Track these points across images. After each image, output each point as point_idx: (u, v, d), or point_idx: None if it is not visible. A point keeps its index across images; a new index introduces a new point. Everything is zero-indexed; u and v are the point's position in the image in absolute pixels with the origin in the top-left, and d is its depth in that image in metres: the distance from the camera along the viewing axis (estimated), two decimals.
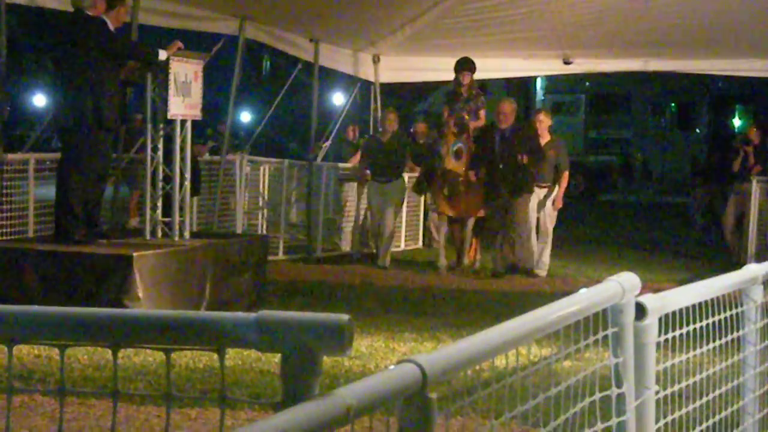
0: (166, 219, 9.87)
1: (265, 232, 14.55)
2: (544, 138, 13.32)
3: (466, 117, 13.37)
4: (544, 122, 13.56)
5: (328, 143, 17.10)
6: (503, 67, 17.14)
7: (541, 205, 13.54)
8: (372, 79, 16.66)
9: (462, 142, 12.82)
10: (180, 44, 9.70)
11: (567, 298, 2.98)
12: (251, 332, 1.97)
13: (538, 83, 32.41)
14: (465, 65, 13.69)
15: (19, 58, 25.29)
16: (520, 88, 35.85)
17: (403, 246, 16.32)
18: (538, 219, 13.54)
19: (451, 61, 16.67)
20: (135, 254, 8.92)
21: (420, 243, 16.95)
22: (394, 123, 14.29)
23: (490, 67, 17.02)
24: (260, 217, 15.02)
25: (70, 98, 9.40)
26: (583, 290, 3.07)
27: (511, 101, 13.50)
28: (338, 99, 27.05)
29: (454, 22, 14.40)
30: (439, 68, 16.80)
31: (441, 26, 14.60)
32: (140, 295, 8.71)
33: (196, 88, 9.88)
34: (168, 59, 9.49)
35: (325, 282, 12.35)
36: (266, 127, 17.91)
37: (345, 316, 1.98)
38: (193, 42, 11.71)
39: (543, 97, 32.37)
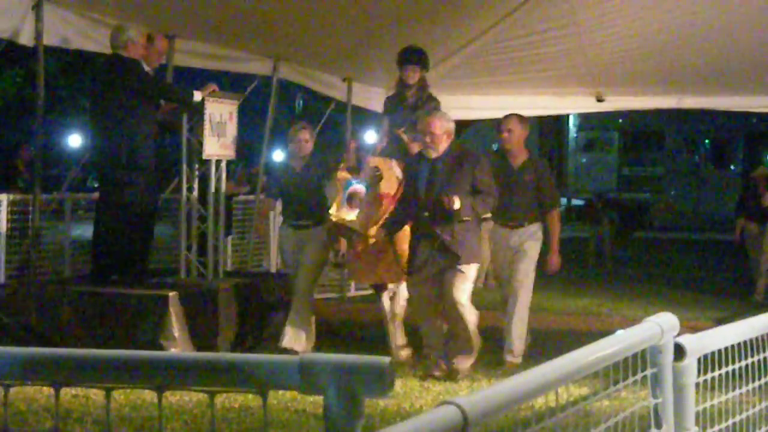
0: (201, 258, 9.92)
1: None
2: (518, 157, 9.68)
3: (404, 136, 9.67)
4: (515, 133, 9.68)
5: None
6: (535, 104, 17.10)
7: (512, 257, 9.70)
8: None
9: (363, 180, 8.95)
10: (215, 86, 9.80)
11: (606, 339, 2.98)
12: (294, 375, 1.99)
13: (571, 120, 32.39)
14: (410, 57, 10.10)
15: (54, 99, 25.54)
16: (553, 125, 35.86)
17: None
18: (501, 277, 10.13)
19: (483, 100, 16.74)
20: (170, 294, 8.97)
21: None
22: (308, 144, 10.01)
23: (522, 104, 17.00)
24: None
25: (107, 139, 9.49)
26: (619, 332, 3.07)
27: (520, 117, 9.93)
28: (371, 137, 27.06)
29: (485, 60, 14.42)
30: (471, 107, 16.83)
31: (473, 65, 14.63)
32: (176, 334, 8.75)
33: (231, 128, 9.96)
34: (203, 100, 9.58)
35: (357, 321, 12.33)
36: None
37: (386, 359, 2.00)
38: (228, 82, 11.82)
39: (576, 134, 32.33)
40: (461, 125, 27.60)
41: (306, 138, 9.96)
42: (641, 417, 3.11)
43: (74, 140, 39.41)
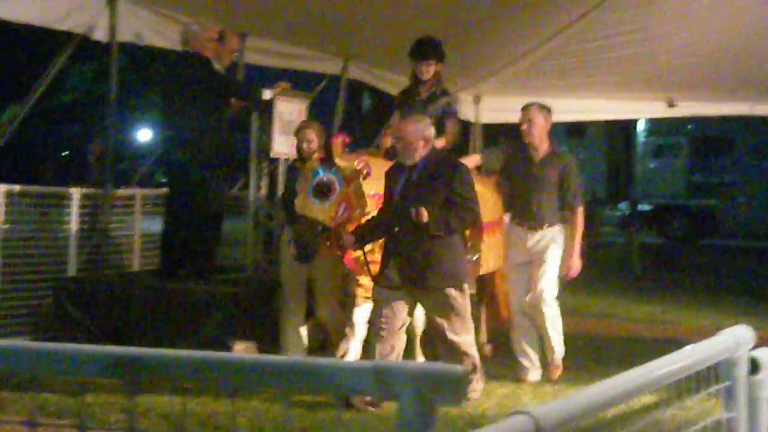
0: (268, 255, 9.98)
1: None
2: (540, 150, 8.96)
3: None
4: (536, 124, 8.96)
5: None
6: (605, 109, 17.02)
7: (528, 263, 9.02)
8: (472, 119, 16.66)
9: (335, 171, 7.74)
10: (285, 84, 9.83)
11: (679, 352, 2.94)
12: (368, 380, 1.98)
13: (640, 125, 32.11)
14: (425, 51, 9.44)
15: (124, 94, 25.83)
16: (621, 130, 35.56)
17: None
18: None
19: (552, 103, 16.61)
20: (237, 291, 9.02)
21: None
22: (313, 144, 8.79)
23: (591, 108, 16.94)
24: None
25: (177, 135, 9.58)
26: (688, 348, 3.02)
27: (541, 107, 9.26)
28: (438, 141, 27.09)
29: (555, 63, 14.34)
30: None
31: (542, 67, 14.55)
32: (242, 332, 8.78)
33: None
34: (273, 98, 9.61)
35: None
36: None
37: (460, 367, 1.99)
38: (296, 80, 11.84)
39: (644, 140, 32.05)
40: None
41: (311, 137, 8.82)
42: (713, 431, 3.07)
43: (143, 135, 39.78)
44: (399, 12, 11.77)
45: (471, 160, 9.32)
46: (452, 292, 7.64)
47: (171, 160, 9.99)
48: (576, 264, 9.02)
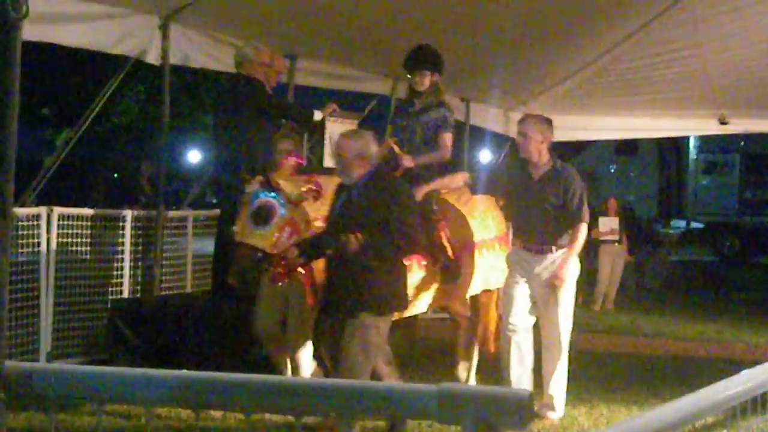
0: None
1: None
2: (540, 166, 8.12)
3: (395, 147, 8.55)
4: (532, 137, 8.08)
5: None
6: (656, 126, 16.92)
7: (535, 290, 8.17)
8: None
9: (277, 194, 7.19)
10: (335, 106, 9.85)
11: (742, 375, 2.90)
12: (431, 404, 1.97)
13: (691, 143, 31.90)
14: (419, 60, 8.88)
15: (175, 115, 26.05)
16: (673, 148, 35.32)
17: None
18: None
19: (602, 121, 16.59)
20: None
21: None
22: (291, 157, 8.20)
23: (642, 126, 16.86)
24: None
25: (229, 157, 9.62)
26: (745, 372, 2.98)
27: (537, 119, 8.44)
28: (485, 156, 27.05)
29: (605, 81, 14.29)
30: (590, 127, 16.72)
31: (593, 86, 14.52)
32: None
33: None
34: (323, 119, 9.64)
35: (428, 343, 12.22)
36: None
37: (526, 391, 1.97)
38: (346, 101, 11.87)
39: (696, 157, 31.84)
40: (580, 146, 27.44)
41: (288, 148, 8.31)
42: None
43: (194, 156, 40.08)
44: (448, 32, 11.76)
45: (456, 179, 8.77)
46: (366, 318, 6.86)
47: (222, 182, 10.04)
48: (561, 273, 8.02)
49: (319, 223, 7.32)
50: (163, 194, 10.93)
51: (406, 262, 7.47)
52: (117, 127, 28.33)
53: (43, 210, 9.46)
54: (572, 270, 8.12)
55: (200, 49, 10.83)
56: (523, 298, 8.13)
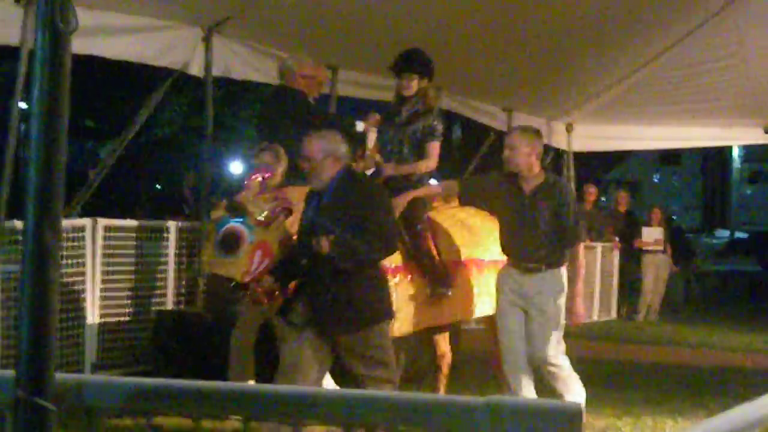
0: None
1: None
2: (531, 180, 7.56)
3: (377, 156, 8.34)
4: (520, 150, 7.54)
5: None
6: (699, 135, 16.82)
7: (523, 311, 7.65)
8: (565, 147, 16.58)
9: (244, 219, 6.76)
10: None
11: None
12: (481, 417, 1.96)
13: (735, 152, 31.69)
14: (405, 64, 8.43)
15: (217, 126, 26.25)
16: (717, 157, 35.09)
17: (596, 317, 16.11)
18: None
19: (646, 131, 16.51)
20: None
21: (614, 314, 16.68)
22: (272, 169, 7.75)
23: (685, 135, 16.76)
24: None
25: None
26: None
27: (524, 130, 7.85)
28: None
29: (649, 90, 14.23)
30: (633, 137, 16.64)
31: (636, 95, 14.46)
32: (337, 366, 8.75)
33: None
34: (365, 130, 9.64)
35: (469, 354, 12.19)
36: None
37: (577, 404, 1.95)
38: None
39: (740, 166, 31.61)
40: (621, 155, 27.25)
41: (269, 160, 7.82)
42: None
43: (236, 167, 40.22)
44: (490, 42, 11.76)
45: (425, 190, 8.25)
46: (366, 332, 6.54)
47: None
48: (580, 309, 7.78)
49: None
50: (207, 205, 10.97)
51: (394, 278, 7.35)
52: (160, 138, 28.50)
53: (87, 222, 9.51)
54: (558, 290, 7.60)
55: (243, 61, 10.88)
56: (517, 326, 7.63)
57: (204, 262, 7.00)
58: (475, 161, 15.73)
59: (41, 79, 2.15)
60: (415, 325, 7.82)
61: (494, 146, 15.55)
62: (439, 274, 7.90)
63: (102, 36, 9.21)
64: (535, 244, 7.53)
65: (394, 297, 7.17)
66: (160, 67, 10.32)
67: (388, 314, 6.80)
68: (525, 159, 7.49)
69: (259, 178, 7.21)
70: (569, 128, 16.34)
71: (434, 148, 8.25)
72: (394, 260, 7.46)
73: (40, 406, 2.02)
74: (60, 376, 2.08)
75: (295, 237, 6.85)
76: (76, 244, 9.38)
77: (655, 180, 35.71)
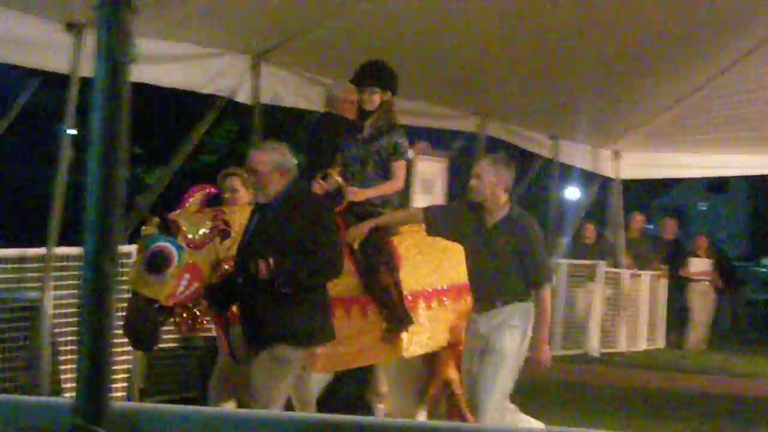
0: None
1: None
2: (494, 212, 7.09)
3: (338, 179, 7.84)
4: (485, 180, 7.06)
5: (565, 240, 16.93)
6: (748, 163, 16.68)
7: (479, 353, 7.05)
8: (611, 175, 16.50)
9: (173, 239, 6.41)
10: (425, 144, 9.86)
11: None
12: None
13: None
14: (366, 77, 8.02)
15: None
16: (765, 184, 34.82)
17: (644, 346, 16.00)
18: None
19: (696, 158, 16.37)
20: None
21: (662, 342, 16.55)
22: (240, 194, 7.45)
23: (733, 163, 16.61)
24: None
25: None
26: None
27: (494, 160, 7.20)
28: (571, 193, 26.95)
29: (698, 117, 14.14)
30: (681, 164, 16.55)
31: (684, 122, 14.37)
32: (383, 390, 8.72)
33: (440, 186, 10.00)
34: (412, 158, 9.65)
35: (563, 381, 12.15)
36: None
37: None
38: (435, 139, 11.89)
39: None
40: (668, 182, 27.06)
41: (236, 186, 7.43)
42: None
43: None
44: (537, 69, 11.75)
45: (406, 214, 7.99)
46: (281, 351, 6.23)
47: None
48: (544, 355, 7.01)
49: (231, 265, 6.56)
50: None
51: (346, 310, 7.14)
52: (207, 165, 28.67)
53: (135, 248, 9.53)
54: (514, 325, 6.97)
55: (290, 88, 10.94)
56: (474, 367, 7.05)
57: (129, 279, 6.56)
58: (521, 189, 15.68)
59: (100, 108, 2.18)
60: (364, 360, 7.57)
61: (540, 174, 15.55)
62: (396, 310, 7.51)
63: (151, 64, 9.28)
64: (490, 280, 7.05)
65: (344, 328, 6.93)
66: (208, 94, 10.39)
67: (323, 339, 6.52)
68: (490, 189, 7.05)
69: (200, 194, 6.79)
70: (616, 156, 16.26)
71: (400, 167, 7.90)
72: (348, 291, 7.25)
73: None
74: (116, 404, 2.09)
75: (230, 262, 6.49)
76: (124, 270, 9.43)
77: (702, 207, 35.47)
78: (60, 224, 8.58)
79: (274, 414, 2.06)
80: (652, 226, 23.25)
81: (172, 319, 6.54)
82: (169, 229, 6.38)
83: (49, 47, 8.52)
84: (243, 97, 10.38)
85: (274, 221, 6.29)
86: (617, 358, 14.93)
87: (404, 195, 8.30)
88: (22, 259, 8.61)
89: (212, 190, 6.92)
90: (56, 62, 8.68)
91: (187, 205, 6.65)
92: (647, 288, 16.19)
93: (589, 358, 14.68)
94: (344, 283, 7.03)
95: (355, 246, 7.40)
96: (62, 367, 8.81)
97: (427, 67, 11.25)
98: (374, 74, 7.94)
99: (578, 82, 12.38)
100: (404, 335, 7.59)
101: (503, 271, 7.00)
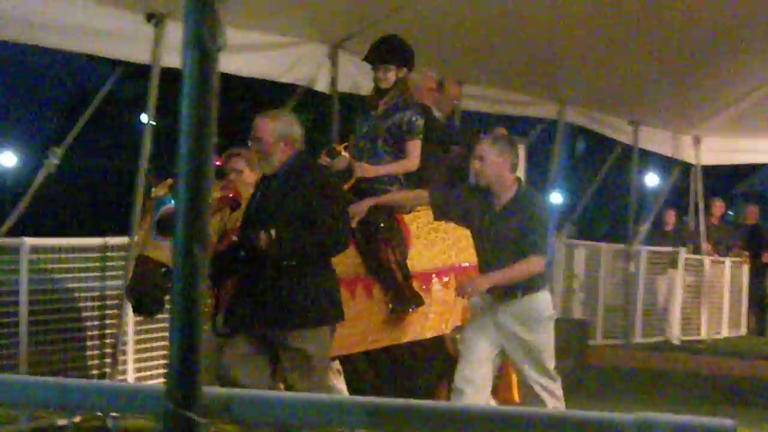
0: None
1: (580, 316, 14.41)
2: (502, 194, 6.78)
3: (346, 155, 7.56)
4: (489, 161, 6.77)
5: (645, 227, 16.76)
6: None
7: (500, 345, 6.73)
8: (692, 161, 16.30)
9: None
10: (504, 131, 9.81)
11: None
12: None
13: None
14: (384, 53, 7.70)
15: (342, 141, 26.50)
16: None
17: (725, 333, 15.81)
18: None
19: None
20: (451, 335, 8.91)
21: (744, 329, 16.33)
22: (245, 175, 6.97)
23: None
24: (575, 300, 14.91)
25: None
26: None
27: (495, 140, 6.96)
28: (651, 180, 26.63)
29: None
30: (764, 149, 16.28)
31: (766, 107, 14.13)
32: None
33: (519, 173, 9.94)
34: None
35: (644, 369, 12.09)
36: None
37: (729, 421, 1.91)
38: (513, 126, 11.84)
39: None
40: (751, 167, 26.74)
41: (240, 167, 7.01)
42: None
43: None
44: (617, 54, 11.64)
45: (414, 195, 7.57)
46: (300, 335, 6.03)
47: None
48: (480, 283, 6.61)
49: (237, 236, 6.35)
50: None
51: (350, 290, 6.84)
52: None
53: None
54: (543, 318, 6.72)
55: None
56: (483, 348, 6.70)
57: (136, 242, 6.28)
58: (601, 176, 15.55)
59: (189, 97, 2.19)
60: (371, 343, 7.26)
61: (620, 161, 15.40)
62: (400, 289, 7.22)
63: (230, 53, 9.34)
64: (502, 266, 6.62)
65: (348, 310, 6.60)
66: (286, 83, 10.44)
67: (338, 316, 6.22)
68: (496, 170, 6.73)
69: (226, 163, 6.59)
70: (697, 141, 16.05)
71: (414, 146, 7.60)
72: (350, 271, 6.98)
73: (189, 418, 2.06)
74: (209, 389, 2.11)
75: (237, 233, 6.27)
76: None
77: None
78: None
79: (365, 400, 2.06)
80: (732, 212, 22.87)
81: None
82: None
83: (129, 38, 8.60)
84: (321, 85, 10.40)
85: (278, 192, 6.09)
86: (698, 345, 14.77)
87: (417, 175, 7.84)
88: (105, 248, 8.72)
89: (219, 161, 6.64)
90: (137, 53, 8.77)
91: None
92: (728, 274, 15.99)
93: (670, 345, 14.56)
94: (346, 263, 6.81)
95: (353, 224, 7.01)
96: (146, 355, 8.93)
97: (506, 53, 11.21)
98: (390, 50, 7.65)
99: (659, 67, 12.25)
100: (416, 316, 7.31)
101: (516, 257, 6.59)
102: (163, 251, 5.96)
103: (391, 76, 7.54)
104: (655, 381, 11.18)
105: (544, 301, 6.71)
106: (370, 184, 7.39)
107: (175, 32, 8.58)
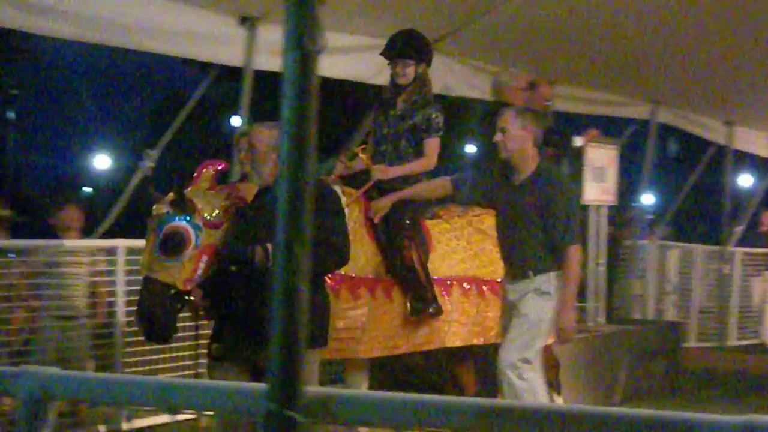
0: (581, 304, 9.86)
1: (674, 318, 14.24)
2: (522, 170, 6.58)
3: (363, 157, 7.32)
4: (512, 133, 6.54)
5: (740, 228, 16.50)
6: None
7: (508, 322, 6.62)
8: (723, 142, 15.97)
9: (189, 217, 5.83)
10: (596, 132, 9.75)
11: None
12: None
13: None
14: (402, 48, 7.32)
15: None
16: None
17: None
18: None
19: None
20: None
21: None
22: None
23: None
24: (668, 302, 14.73)
25: None
26: None
27: (519, 112, 6.79)
28: (744, 180, 26.24)
29: None
30: None
31: None
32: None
33: (611, 174, 9.87)
34: (584, 146, 9.55)
35: (740, 371, 11.89)
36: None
37: None
38: (605, 126, 11.74)
39: None
40: None
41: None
42: None
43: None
44: (711, 54, 11.46)
45: (431, 185, 7.27)
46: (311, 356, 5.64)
47: None
48: (567, 322, 6.40)
49: None
50: None
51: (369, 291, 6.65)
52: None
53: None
54: (544, 293, 6.46)
55: (459, 78, 10.91)
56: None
57: (141, 264, 5.95)
58: (694, 177, 15.36)
59: (290, 99, 2.20)
60: (390, 348, 6.97)
61: (713, 161, 15.19)
62: (422, 290, 6.99)
63: (323, 56, 9.38)
64: (520, 244, 6.47)
65: (363, 313, 6.54)
66: (374, 84, 10.46)
67: (318, 342, 5.75)
68: (518, 144, 6.49)
69: (212, 170, 6.17)
70: (730, 123, 15.65)
71: (434, 144, 7.26)
72: (368, 270, 6.79)
73: (291, 418, 2.06)
74: (309, 389, 2.12)
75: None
76: None
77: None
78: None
79: (470, 401, 2.05)
80: None
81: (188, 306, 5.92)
82: (183, 208, 5.81)
83: (222, 41, 8.70)
84: None
85: (271, 205, 5.47)
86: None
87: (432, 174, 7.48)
88: None
89: (222, 165, 6.29)
90: (230, 56, 8.86)
91: (198, 181, 6.07)
92: None
93: (766, 348, 14.31)
94: (367, 262, 6.72)
95: (376, 220, 6.92)
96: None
97: (598, 52, 11.11)
98: (408, 45, 7.32)
99: (754, 66, 12.03)
100: (437, 323, 7.09)
101: (533, 235, 6.42)
102: (169, 272, 5.74)
103: (410, 71, 7.26)
104: (750, 384, 11.00)
105: (547, 281, 6.43)
106: (390, 185, 7.17)
107: (268, 35, 8.66)
